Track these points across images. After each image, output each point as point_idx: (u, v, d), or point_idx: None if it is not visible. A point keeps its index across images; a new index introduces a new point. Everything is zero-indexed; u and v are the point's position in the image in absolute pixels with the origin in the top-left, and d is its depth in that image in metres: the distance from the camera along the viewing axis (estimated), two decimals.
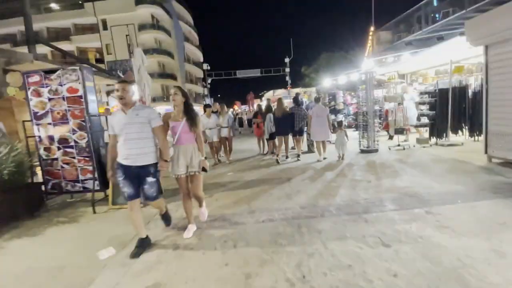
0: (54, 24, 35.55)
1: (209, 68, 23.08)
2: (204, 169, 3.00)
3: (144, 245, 2.76)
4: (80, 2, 34.61)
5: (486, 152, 4.97)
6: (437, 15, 9.57)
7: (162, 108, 33.96)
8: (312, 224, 3.03)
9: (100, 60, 33.74)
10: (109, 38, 34.39)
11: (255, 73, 23.27)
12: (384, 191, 3.92)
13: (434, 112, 6.96)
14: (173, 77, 37.13)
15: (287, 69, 22.90)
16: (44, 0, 34.53)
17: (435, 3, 10.29)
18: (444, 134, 7.07)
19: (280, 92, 29.59)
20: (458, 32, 6.58)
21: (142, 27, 34.00)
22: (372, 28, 14.47)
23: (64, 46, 33.81)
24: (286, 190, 4.39)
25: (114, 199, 4.27)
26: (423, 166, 5.15)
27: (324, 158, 6.54)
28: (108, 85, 12.85)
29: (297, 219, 3.19)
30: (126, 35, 14.70)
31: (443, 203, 3.31)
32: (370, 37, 15.07)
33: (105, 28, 34.43)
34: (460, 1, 8.66)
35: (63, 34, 35.82)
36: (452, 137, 6.99)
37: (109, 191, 4.31)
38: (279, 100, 6.81)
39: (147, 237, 2.83)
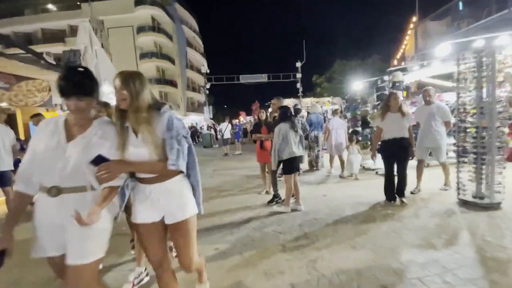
0: (49, 25, 33.52)
1: (208, 71, 19.94)
2: None
3: None
4: (78, 3, 32.67)
5: None
6: None
7: None
8: None
9: None
10: (105, 41, 32.06)
11: (261, 78, 20.03)
12: None
13: None
14: (173, 83, 34.36)
15: (299, 75, 19.58)
16: (41, 0, 32.92)
17: None
18: None
19: (289, 102, 26.29)
20: None
21: (141, 29, 31.59)
22: (414, 19, 11.16)
23: (58, 48, 31.64)
24: None
25: None
26: None
27: (341, 177, 5.68)
28: None
29: None
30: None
31: None
32: (409, 31, 11.70)
33: (101, 29, 32.10)
34: None
35: (59, 36, 33.75)
36: None
37: None
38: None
39: None
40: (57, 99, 10.11)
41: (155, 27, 32.56)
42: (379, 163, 6.20)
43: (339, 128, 5.89)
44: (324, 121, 6.98)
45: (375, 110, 6.15)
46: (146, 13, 31.59)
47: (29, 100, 8.59)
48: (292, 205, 3.80)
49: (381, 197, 4.01)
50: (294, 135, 3.68)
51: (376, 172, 5.76)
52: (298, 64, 19.36)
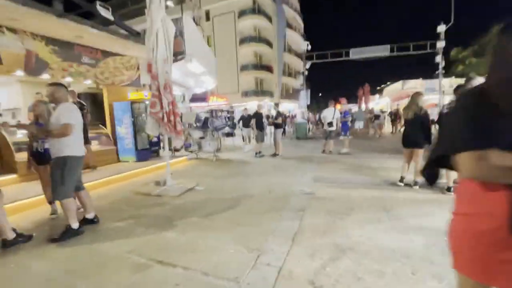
0: None
1: (309, 47, 16.59)
2: None
3: None
4: None
5: None
6: None
7: (254, 103, 30.03)
8: None
9: None
10: (210, 30, 33.10)
11: (381, 51, 15.15)
12: None
13: None
14: (268, 69, 32.70)
15: (440, 44, 13.71)
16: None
17: None
18: None
19: (414, 84, 20.06)
20: None
21: (242, 13, 30.90)
22: None
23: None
24: None
25: None
26: None
27: None
28: None
29: None
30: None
31: None
32: None
33: (207, 19, 33.25)
34: None
35: None
36: None
37: None
38: (416, 96, 4.16)
39: None
40: (145, 78, 9.32)
41: (256, 9, 31.24)
42: None
43: None
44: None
45: None
46: None
47: (116, 78, 7.72)
48: None
49: None
50: None
51: None
52: (441, 28, 13.44)
